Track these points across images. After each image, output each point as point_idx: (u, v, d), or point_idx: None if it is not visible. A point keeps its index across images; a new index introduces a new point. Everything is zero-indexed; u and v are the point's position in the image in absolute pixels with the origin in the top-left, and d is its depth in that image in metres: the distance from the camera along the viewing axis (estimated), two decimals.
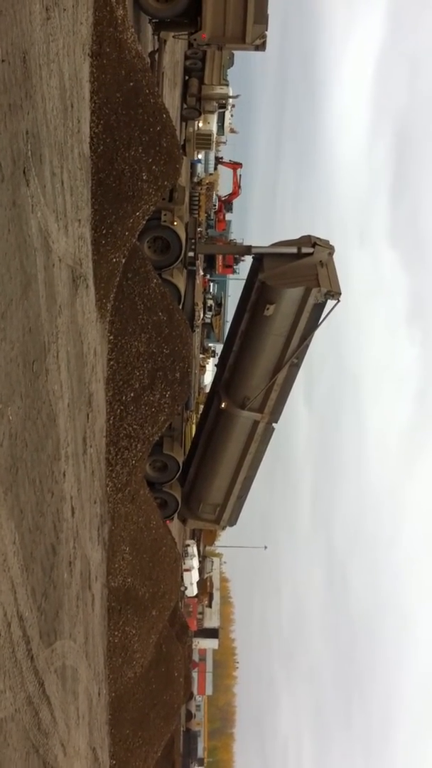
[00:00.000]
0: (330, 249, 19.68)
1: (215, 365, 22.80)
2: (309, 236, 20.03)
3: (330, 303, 19.33)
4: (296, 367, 20.56)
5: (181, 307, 19.51)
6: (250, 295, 19.95)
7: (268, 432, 21.84)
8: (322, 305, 19.36)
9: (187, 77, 37.91)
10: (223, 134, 67.71)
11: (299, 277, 19.30)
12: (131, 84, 11.70)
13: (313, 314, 19.43)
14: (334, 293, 19.13)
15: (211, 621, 77.81)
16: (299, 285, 19.11)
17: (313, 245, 19.52)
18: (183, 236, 19.42)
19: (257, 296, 19.68)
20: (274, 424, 21.72)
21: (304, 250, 19.51)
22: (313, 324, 19.63)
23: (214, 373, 22.85)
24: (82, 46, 10.10)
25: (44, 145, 8.17)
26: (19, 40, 7.01)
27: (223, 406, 21.34)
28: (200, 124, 47.02)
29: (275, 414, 21.38)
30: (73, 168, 9.87)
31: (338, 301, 19.23)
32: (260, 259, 20.17)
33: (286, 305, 19.26)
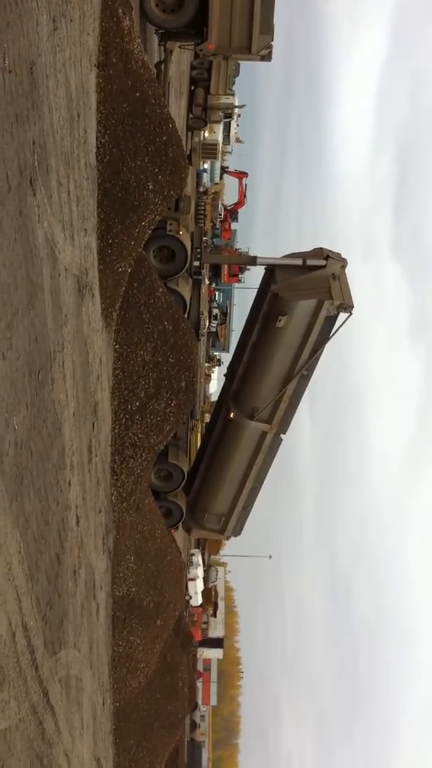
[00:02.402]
0: (342, 262, 19.68)
1: (224, 375, 22.78)
2: (321, 249, 20.04)
3: (342, 316, 19.33)
4: (306, 378, 20.52)
5: (186, 316, 19.53)
6: (262, 306, 19.92)
7: (276, 443, 21.80)
8: (334, 318, 19.34)
9: (193, 87, 38.04)
10: (228, 144, 67.89)
11: (312, 290, 19.28)
12: (137, 94, 11.74)
13: (324, 327, 19.40)
14: (347, 306, 19.11)
15: (216, 630, 77.44)
16: (312, 297, 19.08)
17: (326, 258, 19.52)
18: (188, 245, 19.47)
19: (269, 307, 19.65)
20: (282, 436, 21.67)
21: (314, 262, 19.51)
22: (325, 336, 19.61)
23: (222, 383, 22.82)
24: (88, 57, 10.15)
25: (51, 155, 8.20)
26: (26, 50, 7.04)
27: (231, 416, 21.31)
28: (206, 134, 47.22)
29: (284, 425, 21.34)
30: (79, 178, 9.90)
31: (350, 314, 19.22)
32: (272, 270, 20.15)
33: (298, 317, 19.23)
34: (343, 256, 20.02)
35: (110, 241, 11.86)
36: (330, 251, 19.85)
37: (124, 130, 11.48)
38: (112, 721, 16.00)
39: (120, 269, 12.76)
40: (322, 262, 19.46)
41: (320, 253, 19.83)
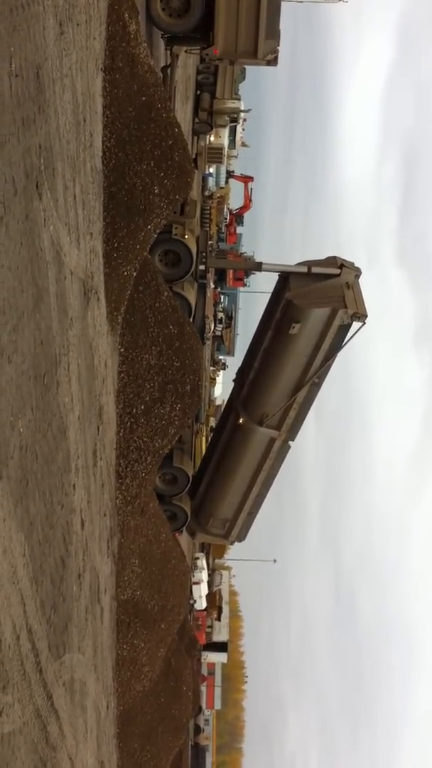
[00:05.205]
0: (356, 271, 19.70)
1: (233, 380, 22.76)
2: (335, 257, 20.07)
3: (355, 325, 19.34)
4: (317, 386, 20.51)
5: (191, 320, 19.54)
6: (275, 313, 19.90)
7: (284, 450, 21.75)
8: (347, 327, 19.36)
9: (199, 91, 38.04)
10: (234, 148, 68.00)
11: (326, 298, 19.29)
12: (144, 98, 11.76)
13: (337, 335, 19.41)
14: (360, 315, 19.13)
15: (220, 635, 77.18)
16: (326, 305, 19.09)
17: (340, 267, 19.55)
18: (194, 249, 19.46)
19: (282, 314, 19.63)
20: (290, 442, 21.65)
21: (323, 270, 19.51)
22: (337, 345, 19.61)
23: (228, 387, 22.80)
24: (95, 61, 10.17)
25: (57, 159, 8.22)
26: (33, 55, 7.06)
27: (240, 421, 21.29)
28: (212, 138, 47.21)
29: (292, 432, 21.31)
30: (85, 182, 9.92)
31: (364, 323, 19.23)
32: (286, 277, 20.15)
33: (311, 325, 19.23)
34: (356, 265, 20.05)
35: (116, 245, 11.88)
36: (344, 260, 19.86)
37: (130, 134, 11.50)
38: (116, 724, 15.98)
39: (125, 273, 12.77)
40: (336, 271, 19.47)
41: (334, 261, 19.85)
